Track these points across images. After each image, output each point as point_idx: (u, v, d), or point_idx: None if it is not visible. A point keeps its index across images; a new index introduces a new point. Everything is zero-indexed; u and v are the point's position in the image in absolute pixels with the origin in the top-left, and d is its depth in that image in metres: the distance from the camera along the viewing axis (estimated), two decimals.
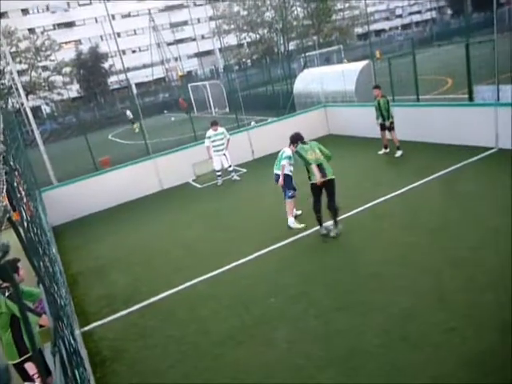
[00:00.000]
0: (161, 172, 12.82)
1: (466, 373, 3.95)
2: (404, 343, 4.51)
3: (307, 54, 27.88)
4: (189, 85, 34.92)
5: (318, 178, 6.92)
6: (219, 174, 11.95)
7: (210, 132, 11.50)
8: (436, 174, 8.97)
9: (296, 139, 7.65)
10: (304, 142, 7.47)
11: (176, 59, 56.27)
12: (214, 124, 11.44)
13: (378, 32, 73.73)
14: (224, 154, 11.69)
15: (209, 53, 64.65)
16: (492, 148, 9.61)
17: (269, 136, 13.48)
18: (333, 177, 7.02)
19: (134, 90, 54.40)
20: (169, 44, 57.90)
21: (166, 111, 39.91)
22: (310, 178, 7.18)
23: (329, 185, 7.04)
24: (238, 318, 5.65)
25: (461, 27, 42.26)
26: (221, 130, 11.59)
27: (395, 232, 6.99)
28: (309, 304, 5.58)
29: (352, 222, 7.75)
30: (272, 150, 13.66)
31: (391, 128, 10.81)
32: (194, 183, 12.76)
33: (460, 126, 10.29)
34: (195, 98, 33.10)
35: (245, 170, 13.00)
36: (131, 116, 30.78)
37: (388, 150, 11.27)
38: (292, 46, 50.95)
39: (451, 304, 4.94)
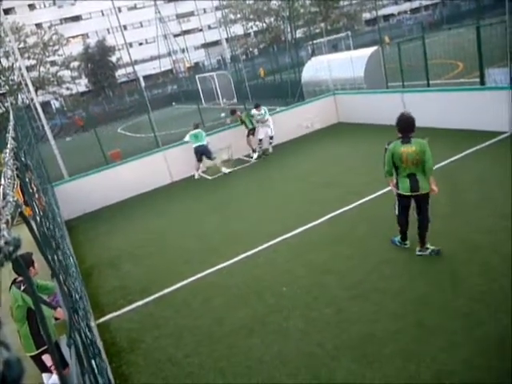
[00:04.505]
0: (171, 164, 12.86)
1: (483, 359, 3.94)
2: (419, 329, 4.50)
3: (315, 41, 27.62)
4: (196, 76, 34.83)
5: (404, 190, 5.61)
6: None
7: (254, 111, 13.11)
8: (448, 160, 8.88)
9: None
10: (406, 140, 5.46)
11: (183, 50, 56.11)
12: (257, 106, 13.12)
13: (387, 17, 72.50)
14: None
15: (216, 43, 64.24)
16: (505, 132, 9.46)
17: (278, 125, 13.39)
18: (428, 191, 5.51)
19: (142, 83, 54.49)
20: (175, 35, 57.71)
21: (174, 103, 39.92)
22: (397, 185, 5.70)
23: (421, 198, 5.58)
24: (251, 307, 5.68)
25: (471, 9, 41.43)
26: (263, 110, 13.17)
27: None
28: (321, 293, 5.58)
29: (364, 208, 7.73)
30: (281, 139, 13.63)
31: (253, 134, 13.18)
32: (203, 175, 12.78)
33: (471, 111, 10.15)
34: (203, 89, 33.03)
35: (254, 161, 12.99)
36: None
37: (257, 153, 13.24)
38: (299, 33, 50.46)
39: (466, 289, 4.92)
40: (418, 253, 5.86)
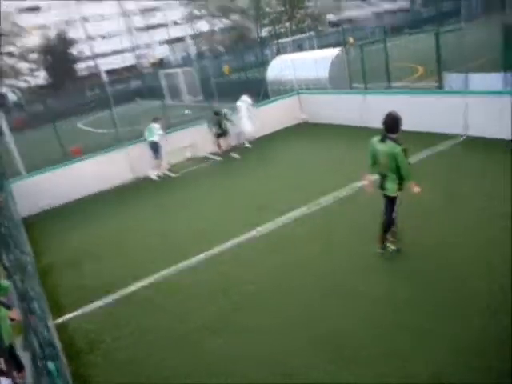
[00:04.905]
0: (133, 161, 12.62)
1: (483, 359, 3.94)
2: (416, 330, 4.47)
3: (280, 40, 27.79)
4: (160, 72, 34.29)
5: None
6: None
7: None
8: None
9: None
10: (383, 139, 5.62)
11: (147, 46, 55.10)
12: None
13: (350, 19, 73.83)
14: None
15: (181, 39, 63.40)
16: (461, 135, 9.82)
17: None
18: (393, 195, 5.62)
19: (104, 77, 53.10)
20: (139, 30, 56.60)
21: (137, 99, 39.12)
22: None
23: (386, 198, 5.74)
24: (216, 305, 5.66)
25: (431, 16, 42.73)
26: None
27: (370, 217, 6.97)
28: (289, 291, 5.62)
29: (329, 208, 7.84)
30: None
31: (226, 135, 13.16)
32: (167, 172, 12.62)
33: (429, 114, 10.46)
34: (168, 85, 32.54)
35: (219, 159, 12.94)
36: None
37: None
38: (265, 32, 50.60)
39: (466, 289, 4.92)
40: (378, 250, 5.96)
